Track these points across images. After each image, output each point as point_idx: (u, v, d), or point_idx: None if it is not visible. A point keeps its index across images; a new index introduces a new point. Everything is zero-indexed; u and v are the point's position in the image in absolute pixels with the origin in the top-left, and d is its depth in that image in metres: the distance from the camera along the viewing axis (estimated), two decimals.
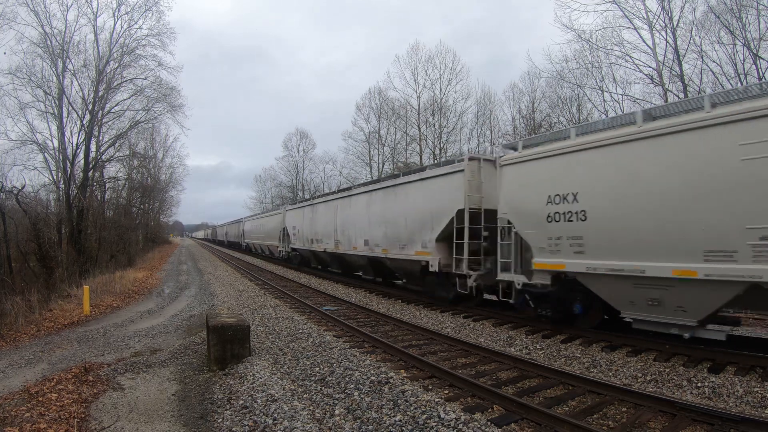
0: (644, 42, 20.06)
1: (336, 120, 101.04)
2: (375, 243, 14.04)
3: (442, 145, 33.90)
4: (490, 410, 4.81)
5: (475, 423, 4.22)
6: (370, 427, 4.32)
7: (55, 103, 21.61)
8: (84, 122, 22.19)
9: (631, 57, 20.57)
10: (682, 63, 19.16)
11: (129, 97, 23.99)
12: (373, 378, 5.60)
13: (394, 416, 4.50)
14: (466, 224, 9.77)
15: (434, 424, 4.24)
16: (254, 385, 5.40)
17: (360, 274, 17.82)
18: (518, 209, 8.44)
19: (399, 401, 4.83)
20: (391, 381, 5.44)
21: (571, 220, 7.33)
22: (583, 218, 7.17)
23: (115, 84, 23.08)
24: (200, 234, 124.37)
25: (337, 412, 4.74)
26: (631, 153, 6.55)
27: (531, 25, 58.29)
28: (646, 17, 19.67)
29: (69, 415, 4.79)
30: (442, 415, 4.37)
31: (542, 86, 28.54)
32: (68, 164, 21.79)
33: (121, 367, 6.66)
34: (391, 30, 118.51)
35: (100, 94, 22.45)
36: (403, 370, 6.20)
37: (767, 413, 4.61)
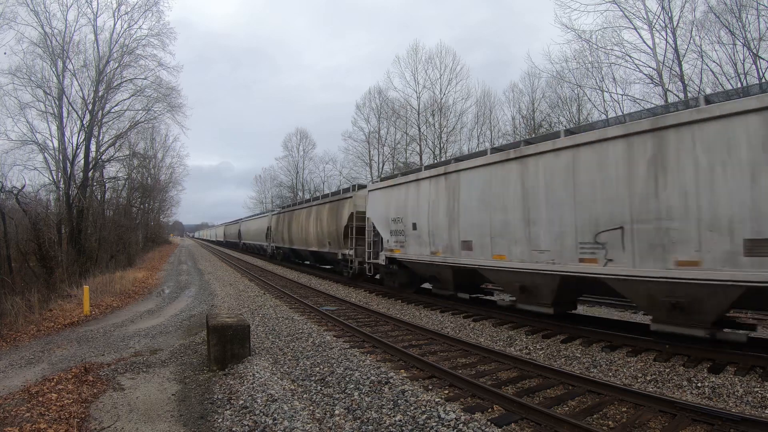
0: (644, 42, 20.10)
1: (336, 120, 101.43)
2: None
3: (442, 145, 33.93)
4: (490, 410, 4.81)
5: (475, 423, 4.22)
6: (370, 427, 4.32)
7: (55, 103, 21.63)
8: (84, 122, 22.21)
9: (631, 57, 20.63)
10: (682, 63, 19.19)
11: (129, 97, 24.03)
12: (373, 378, 5.60)
13: (394, 416, 4.50)
14: None
15: (434, 424, 4.24)
16: (254, 385, 5.40)
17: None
18: None
19: (399, 401, 4.83)
20: (391, 381, 5.44)
21: None
22: None
23: (115, 84, 23.10)
24: (210, 233, 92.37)
25: (337, 412, 4.74)
26: None
27: (532, 28, 58.42)
28: (646, 17, 19.71)
29: (69, 415, 4.79)
30: (442, 415, 4.37)
31: (542, 86, 28.63)
32: (68, 164, 21.80)
33: (121, 367, 6.66)
34: (394, 34, 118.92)
35: (100, 94, 22.47)
36: (403, 370, 6.20)
37: (767, 413, 4.61)
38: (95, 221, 24.08)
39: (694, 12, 18.92)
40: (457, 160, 10.75)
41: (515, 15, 66.51)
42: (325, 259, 20.57)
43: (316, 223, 20.13)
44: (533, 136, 9.99)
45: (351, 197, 16.60)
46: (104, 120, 23.44)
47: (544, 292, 8.35)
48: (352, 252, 16.06)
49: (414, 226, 11.74)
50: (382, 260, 13.46)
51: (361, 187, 17.06)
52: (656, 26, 19.61)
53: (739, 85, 17.21)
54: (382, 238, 13.58)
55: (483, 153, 10.16)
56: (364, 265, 15.33)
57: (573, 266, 7.54)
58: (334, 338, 8.03)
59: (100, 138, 23.69)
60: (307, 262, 24.85)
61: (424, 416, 4.40)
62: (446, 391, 5.42)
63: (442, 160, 16.32)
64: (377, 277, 15.14)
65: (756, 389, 5.05)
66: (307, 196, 40.34)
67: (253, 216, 44.59)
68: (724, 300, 5.91)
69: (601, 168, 7.11)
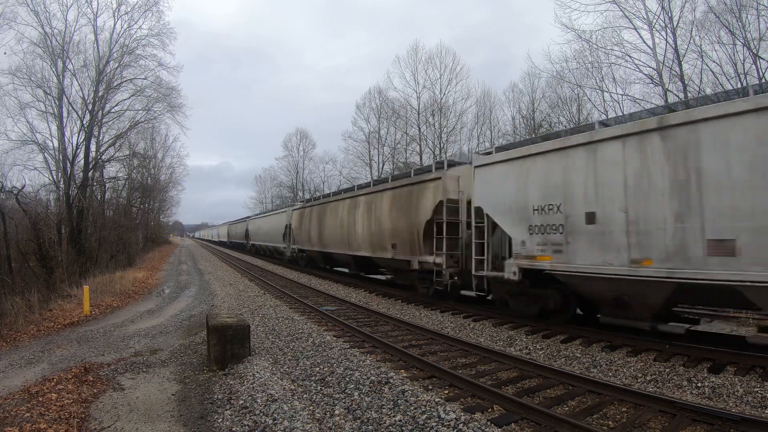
0: (644, 42, 20.10)
1: (336, 121, 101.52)
2: None
3: (442, 145, 33.95)
4: (490, 410, 4.81)
5: (475, 423, 4.22)
6: (370, 427, 4.32)
7: (55, 103, 21.65)
8: (84, 122, 22.22)
9: (631, 57, 20.62)
10: (682, 63, 19.19)
11: (129, 97, 24.03)
12: (373, 378, 5.60)
13: (394, 416, 4.50)
14: None
15: (434, 424, 4.24)
16: (254, 385, 5.40)
17: None
18: None
19: (399, 401, 4.83)
20: (391, 381, 5.44)
21: None
22: None
23: (115, 84, 23.11)
24: (212, 233, 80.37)
25: (337, 412, 4.74)
26: None
27: (532, 28, 58.45)
28: (646, 17, 19.71)
29: (69, 415, 4.79)
30: (442, 415, 4.37)
31: (542, 86, 28.62)
32: (68, 164, 21.81)
33: (121, 367, 6.66)
34: (394, 34, 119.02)
35: (100, 94, 22.47)
36: (403, 370, 6.20)
37: (767, 413, 4.61)
38: (95, 221, 24.08)
39: (694, 12, 18.93)
40: (669, 108, 7.19)
41: (515, 15, 66.57)
42: (377, 266, 15.49)
43: (367, 218, 14.74)
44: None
45: (438, 179, 11.35)
46: (104, 120, 23.46)
47: None
48: (440, 259, 11.02)
49: (590, 219, 7.51)
50: (510, 273, 8.85)
51: (454, 164, 11.87)
52: (656, 26, 19.63)
53: (739, 85, 17.21)
54: (509, 239, 9.12)
55: (739, 91, 6.46)
56: (455, 279, 10.98)
57: None
58: (334, 338, 8.03)
59: (100, 138, 23.73)
60: (346, 270, 19.03)
61: (424, 416, 4.40)
62: (446, 391, 5.42)
63: (645, 109, 9.33)
64: (483, 295, 10.54)
65: (756, 389, 5.05)
66: (307, 196, 40.12)
67: (265, 213, 37.06)
68: None
69: None
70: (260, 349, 7.29)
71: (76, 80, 22.27)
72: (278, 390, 5.21)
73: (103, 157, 24.39)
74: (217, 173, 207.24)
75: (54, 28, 21.10)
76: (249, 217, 44.17)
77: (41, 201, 21.00)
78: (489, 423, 4.32)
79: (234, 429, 4.33)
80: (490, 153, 9.93)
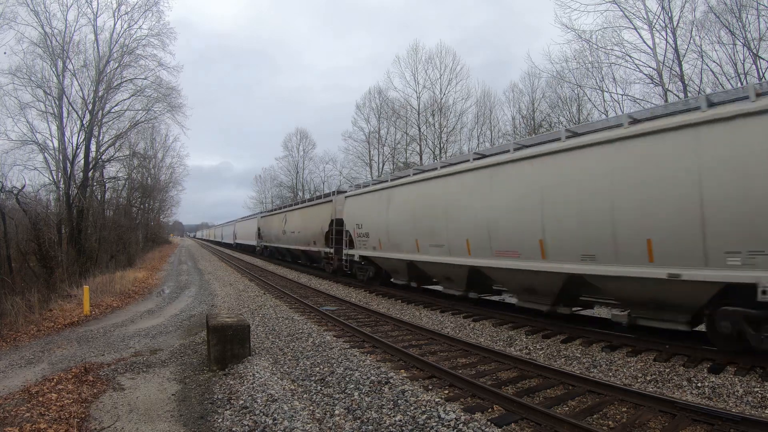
0: (644, 42, 20.11)
1: (337, 121, 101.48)
2: None
3: (442, 145, 33.95)
4: (490, 410, 4.81)
5: (475, 423, 4.22)
6: (370, 427, 4.32)
7: (55, 103, 21.60)
8: (84, 122, 22.18)
9: (631, 57, 20.64)
10: (682, 63, 19.20)
11: (129, 97, 23.97)
12: (373, 378, 5.60)
13: (394, 416, 4.50)
14: None
15: (434, 424, 4.24)
16: (254, 385, 5.40)
17: None
18: None
19: (399, 401, 4.83)
20: (391, 381, 5.44)
21: None
22: None
23: (115, 84, 23.05)
24: (222, 233, 64.94)
25: (337, 412, 4.74)
26: None
27: (532, 28, 58.42)
28: (646, 17, 19.72)
29: (69, 415, 4.79)
30: (442, 415, 4.37)
31: (542, 86, 28.61)
32: (68, 164, 21.77)
33: (121, 367, 6.66)
34: (394, 34, 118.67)
35: (100, 94, 22.43)
36: (403, 370, 6.20)
37: (767, 413, 4.61)
38: (95, 221, 24.05)
39: (694, 12, 18.94)
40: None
41: (515, 15, 66.55)
42: None
43: None
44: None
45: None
46: (104, 120, 23.41)
47: None
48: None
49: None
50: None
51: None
52: (656, 26, 19.64)
53: (739, 85, 17.21)
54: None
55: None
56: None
57: None
58: (334, 338, 8.03)
59: (100, 138, 23.68)
60: None
61: (424, 416, 4.40)
62: (446, 391, 5.42)
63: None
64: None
65: (756, 389, 5.05)
66: (307, 196, 40.08)
67: (360, 187, 16.23)
68: None
69: None
70: (260, 349, 7.29)
71: (76, 80, 22.26)
72: (278, 390, 5.21)
73: (103, 157, 24.37)
74: (217, 173, 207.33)
75: (54, 28, 21.07)
76: (343, 191, 18.30)
77: (41, 201, 20.98)
78: (489, 423, 4.32)
79: (234, 429, 4.34)
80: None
